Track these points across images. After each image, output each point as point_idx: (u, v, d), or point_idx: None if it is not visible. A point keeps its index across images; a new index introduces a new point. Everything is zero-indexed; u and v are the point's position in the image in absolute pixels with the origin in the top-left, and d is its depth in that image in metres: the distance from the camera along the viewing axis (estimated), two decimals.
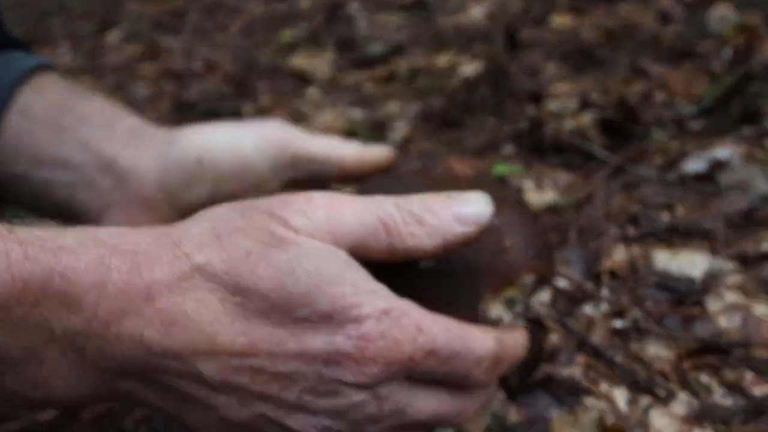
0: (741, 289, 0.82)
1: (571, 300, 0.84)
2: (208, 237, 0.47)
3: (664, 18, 1.78)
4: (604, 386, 0.71)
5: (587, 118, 1.12)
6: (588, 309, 0.82)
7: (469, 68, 1.47)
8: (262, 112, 1.50)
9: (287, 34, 2.08)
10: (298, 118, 1.45)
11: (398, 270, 0.52)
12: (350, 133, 1.31)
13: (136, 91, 1.75)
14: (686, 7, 1.82)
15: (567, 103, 1.23)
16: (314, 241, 0.47)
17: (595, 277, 0.87)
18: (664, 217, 0.95)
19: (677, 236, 0.92)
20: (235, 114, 1.51)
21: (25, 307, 0.42)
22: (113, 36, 2.44)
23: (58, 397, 0.46)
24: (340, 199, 0.49)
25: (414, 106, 1.38)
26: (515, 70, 1.48)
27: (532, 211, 0.63)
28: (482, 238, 0.53)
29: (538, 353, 0.71)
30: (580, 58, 1.55)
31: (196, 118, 1.48)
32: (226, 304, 0.45)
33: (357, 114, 1.42)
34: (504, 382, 0.70)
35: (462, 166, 1.15)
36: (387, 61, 1.71)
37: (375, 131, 1.32)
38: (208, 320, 0.45)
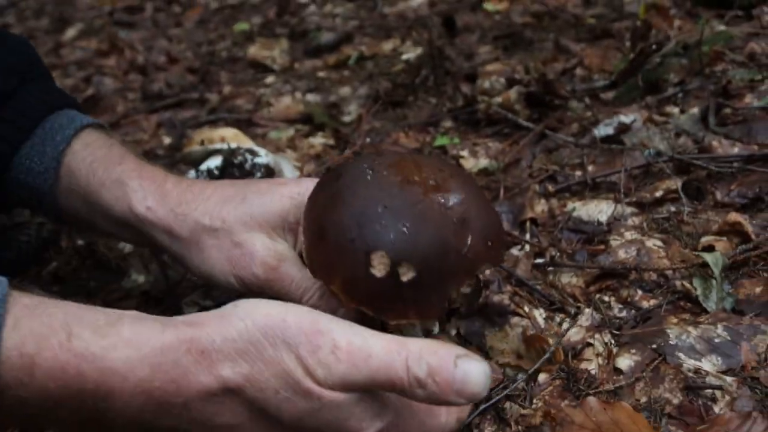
0: (637, 228, 1.00)
1: None
2: (243, 359, 0.55)
3: (587, 0, 1.97)
4: (526, 308, 0.88)
5: (514, 94, 1.30)
6: (515, 251, 0.99)
7: (412, 53, 1.63)
8: (227, 100, 1.64)
9: (242, 26, 2.21)
10: (260, 104, 1.60)
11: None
12: (308, 115, 1.46)
13: (104, 85, 1.86)
14: None
15: (496, 82, 1.40)
16: (332, 394, 0.56)
17: (521, 225, 1.04)
18: (578, 174, 1.13)
19: (588, 189, 1.10)
20: (201, 103, 1.65)
21: (74, 406, 0.53)
22: (71, 32, 2.53)
23: None
24: (360, 353, 0.56)
25: (363, 89, 1.54)
26: (453, 54, 1.64)
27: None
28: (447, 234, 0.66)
29: (479, 286, 0.88)
30: (511, 40, 1.73)
31: (166, 108, 1.62)
32: (252, 422, 0.57)
33: (313, 98, 1.57)
34: (455, 310, 0.87)
35: (408, 140, 1.31)
36: (338, 50, 1.86)
37: (330, 113, 1.48)
38: (235, 423, 0.56)
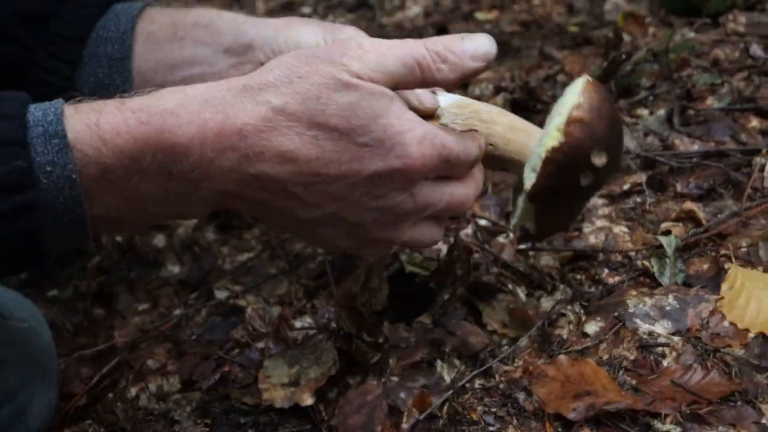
0: (607, 217, 1.15)
1: (489, 232, 1.16)
2: (283, 83, 0.60)
3: (571, 9, 2.12)
4: (510, 285, 1.04)
5: (500, 100, 1.45)
6: (500, 238, 1.15)
7: None
8: None
9: None
10: None
11: None
12: None
13: None
14: None
15: (485, 89, 1.55)
16: (369, 83, 0.61)
17: (506, 216, 1.19)
18: None
19: None
20: None
21: (149, 157, 0.58)
22: None
23: (184, 215, 0.69)
24: (383, 45, 0.63)
25: None
26: None
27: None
28: None
29: (468, 267, 1.04)
30: (500, 49, 1.87)
31: None
32: (303, 137, 0.60)
33: None
34: (449, 288, 1.03)
35: None
36: None
37: None
38: (291, 148, 0.60)
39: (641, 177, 1.21)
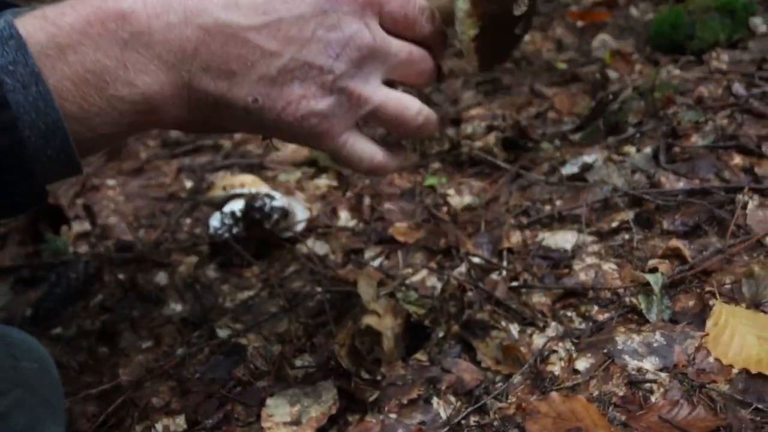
0: (596, 254, 1.19)
1: (483, 270, 1.20)
2: None
3: (560, 46, 2.18)
4: (503, 323, 1.07)
5: (492, 139, 1.50)
6: (494, 275, 1.18)
7: None
8: (238, 146, 1.83)
9: None
10: (269, 148, 1.79)
11: None
12: (312, 159, 1.66)
13: None
14: (577, 36, 2.22)
15: (478, 127, 1.60)
16: None
17: (498, 253, 1.23)
18: (547, 208, 1.33)
19: (556, 221, 1.29)
20: (215, 149, 1.84)
21: (98, 27, 0.57)
22: None
23: (154, 94, 0.59)
24: None
25: None
26: (440, 100, 1.85)
27: None
28: None
29: (461, 305, 1.07)
30: (492, 86, 1.93)
31: (185, 153, 1.82)
32: None
33: None
34: (444, 326, 1.06)
35: (402, 180, 1.51)
36: None
37: (332, 157, 1.67)
38: None
39: (629, 214, 1.25)
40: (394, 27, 0.66)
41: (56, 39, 0.56)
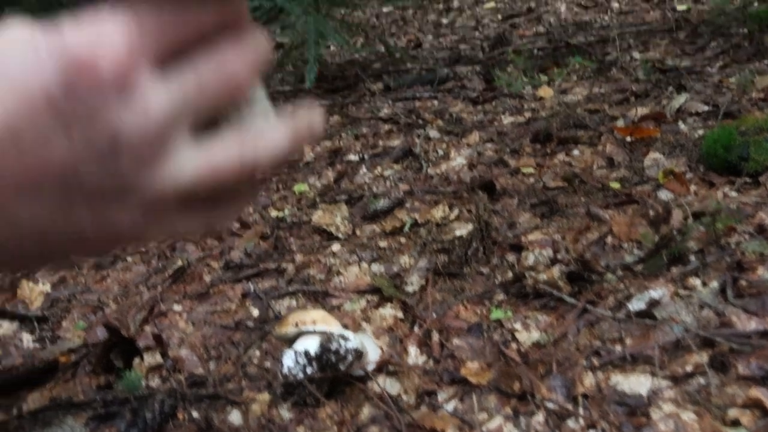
0: (673, 400, 1.19)
1: (559, 416, 1.20)
2: None
3: (611, 163, 2.22)
4: None
5: (556, 272, 1.52)
6: (570, 423, 1.18)
7: (463, 229, 1.88)
8: (300, 270, 1.88)
9: (301, 187, 2.48)
10: (331, 273, 1.83)
11: None
12: (376, 287, 1.69)
13: (187, 252, 2.11)
14: (627, 152, 2.26)
15: (540, 256, 1.63)
16: None
17: (573, 398, 1.23)
18: (618, 348, 1.33)
19: (628, 362, 1.29)
20: (278, 272, 1.89)
21: None
22: None
23: None
24: None
25: (423, 261, 1.77)
26: (497, 223, 1.88)
27: None
28: None
29: None
30: (548, 207, 1.97)
31: (248, 278, 1.86)
32: None
33: (378, 269, 1.80)
34: None
35: (467, 313, 1.53)
36: (392, 214, 2.12)
37: (394, 283, 1.70)
38: None
39: (703, 357, 1.25)
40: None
41: None
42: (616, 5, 5.44)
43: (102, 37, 0.37)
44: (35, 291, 2.01)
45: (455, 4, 7.15)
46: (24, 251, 0.44)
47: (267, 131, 0.47)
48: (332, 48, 5.20)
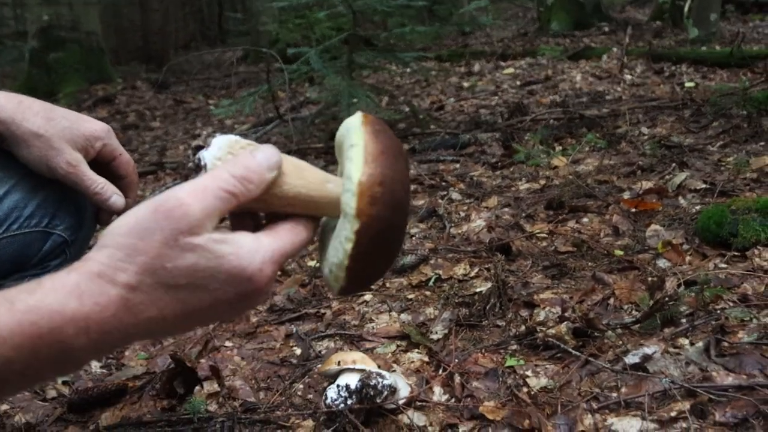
0: None
1: None
2: (124, 262, 0.66)
3: (617, 231, 2.47)
4: None
5: (563, 328, 1.76)
6: None
7: (482, 286, 2.13)
8: (337, 315, 2.12)
9: None
10: (364, 319, 2.08)
11: None
12: (405, 334, 1.93)
13: None
14: (631, 222, 2.51)
15: (550, 313, 1.87)
16: (201, 238, 0.68)
17: None
18: (614, 395, 1.56)
19: (622, 407, 1.52)
20: (317, 317, 2.13)
21: (45, 350, 0.64)
22: None
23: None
24: (198, 189, 0.69)
25: (446, 313, 2.02)
26: (513, 282, 2.13)
27: None
28: None
29: None
30: (558, 270, 2.21)
31: (291, 320, 2.11)
32: (164, 301, 0.68)
33: (406, 318, 2.05)
34: None
35: (485, 359, 1.77)
36: (418, 269, 2.37)
37: (421, 331, 1.94)
38: (155, 314, 0.68)
39: (685, 405, 1.48)
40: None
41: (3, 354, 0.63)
42: (628, 77, 5.75)
43: (263, 273, 0.71)
44: None
45: (476, 68, 7.52)
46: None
47: None
48: (358, 107, 5.53)
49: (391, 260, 0.83)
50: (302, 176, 0.76)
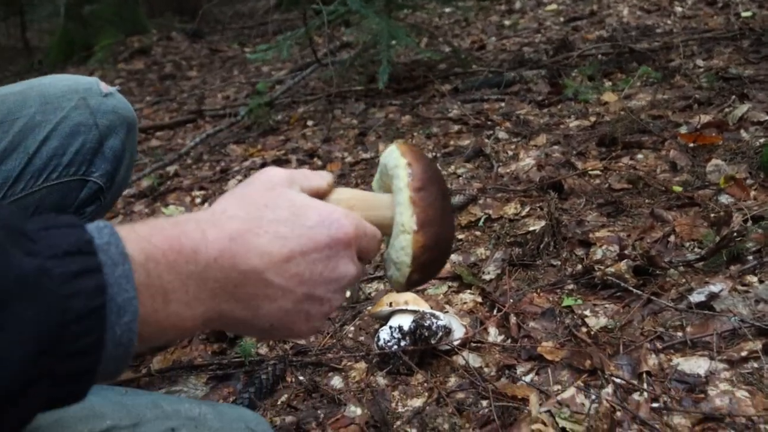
0: (728, 381, 1.35)
1: (625, 390, 1.37)
2: (237, 201, 0.77)
3: (675, 167, 2.36)
4: None
5: (623, 266, 1.68)
6: (635, 396, 1.35)
7: (535, 225, 2.05)
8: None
9: None
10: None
11: None
12: (457, 275, 1.88)
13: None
14: (690, 157, 2.39)
15: (607, 252, 1.79)
16: (290, 190, 0.80)
17: (638, 375, 1.40)
18: (679, 335, 1.49)
19: (688, 347, 1.45)
20: None
21: (174, 255, 0.68)
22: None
23: (199, 315, 0.70)
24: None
25: (499, 253, 1.95)
26: (567, 221, 2.05)
27: None
28: None
29: (612, 425, 1.24)
30: (613, 207, 2.12)
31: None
32: (268, 234, 0.74)
33: (457, 258, 1.99)
34: None
35: (540, 300, 1.70)
36: (467, 210, 2.30)
37: (473, 272, 1.89)
38: (264, 245, 0.73)
39: (757, 344, 1.40)
40: (359, 253, 0.83)
41: (144, 249, 0.66)
42: (679, 9, 5.48)
43: (349, 220, 0.78)
44: None
45: (517, 5, 7.26)
46: (255, 328, 0.78)
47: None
48: (398, 48, 5.37)
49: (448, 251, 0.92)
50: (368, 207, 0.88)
